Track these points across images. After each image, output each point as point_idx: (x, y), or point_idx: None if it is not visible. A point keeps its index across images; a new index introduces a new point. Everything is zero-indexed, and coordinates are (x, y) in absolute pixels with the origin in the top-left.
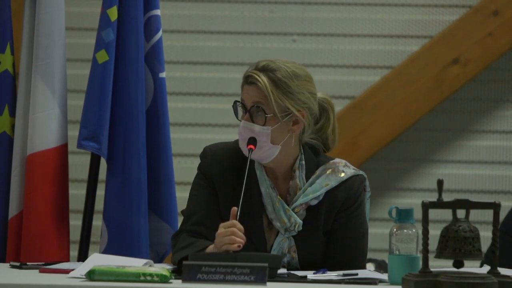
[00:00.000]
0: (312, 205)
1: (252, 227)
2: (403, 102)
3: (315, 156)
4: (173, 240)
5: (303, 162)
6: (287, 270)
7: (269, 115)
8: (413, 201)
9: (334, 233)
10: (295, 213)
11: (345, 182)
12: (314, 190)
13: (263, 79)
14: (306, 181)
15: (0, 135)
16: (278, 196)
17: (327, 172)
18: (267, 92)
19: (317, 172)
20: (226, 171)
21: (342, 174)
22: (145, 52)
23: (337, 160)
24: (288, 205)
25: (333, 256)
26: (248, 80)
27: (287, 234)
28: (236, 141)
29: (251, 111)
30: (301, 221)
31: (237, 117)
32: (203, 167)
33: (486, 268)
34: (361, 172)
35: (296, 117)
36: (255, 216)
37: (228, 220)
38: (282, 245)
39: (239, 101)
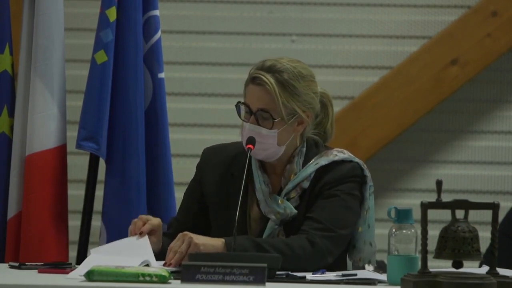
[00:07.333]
0: (305, 187)
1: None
2: (402, 103)
3: (316, 148)
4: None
5: (304, 149)
6: None
7: (276, 120)
8: (412, 202)
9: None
10: (290, 199)
11: (336, 164)
12: (306, 171)
13: (270, 80)
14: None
15: None
16: (270, 192)
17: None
18: (275, 94)
19: (313, 160)
20: (216, 169)
21: (333, 155)
22: (144, 52)
23: (335, 148)
24: (282, 188)
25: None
26: (255, 81)
27: (282, 224)
28: (233, 143)
29: (258, 115)
30: (296, 211)
31: (240, 116)
32: (197, 166)
33: (485, 269)
34: (357, 160)
35: (301, 118)
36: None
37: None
38: (274, 231)
39: (242, 102)
